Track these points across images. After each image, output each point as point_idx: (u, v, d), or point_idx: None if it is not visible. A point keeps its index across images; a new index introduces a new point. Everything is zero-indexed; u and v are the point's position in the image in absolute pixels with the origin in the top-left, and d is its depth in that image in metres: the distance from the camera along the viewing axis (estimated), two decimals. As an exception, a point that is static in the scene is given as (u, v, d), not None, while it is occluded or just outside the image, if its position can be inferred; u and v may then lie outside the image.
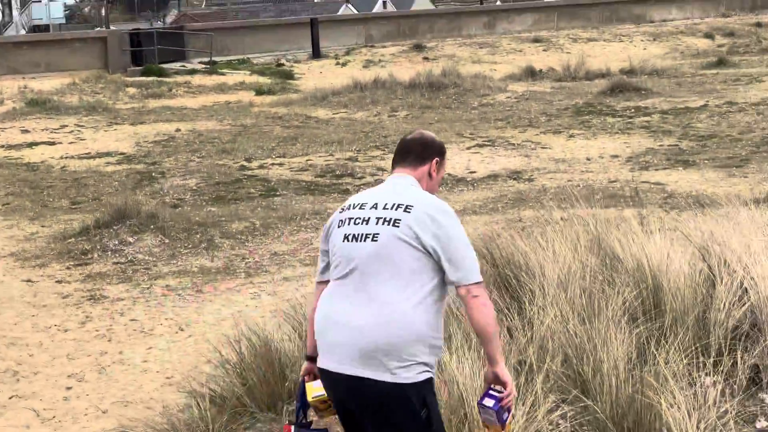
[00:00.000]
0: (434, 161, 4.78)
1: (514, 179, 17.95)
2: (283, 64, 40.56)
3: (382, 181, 15.07)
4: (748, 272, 6.91)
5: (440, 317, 4.65)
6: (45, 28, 74.18)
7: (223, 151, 22.31)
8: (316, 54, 42.55)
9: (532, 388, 5.66)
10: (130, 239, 14.97)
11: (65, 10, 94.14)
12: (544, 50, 44.42)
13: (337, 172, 19.39)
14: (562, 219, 11.45)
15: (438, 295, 4.56)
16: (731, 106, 25.07)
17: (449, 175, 18.42)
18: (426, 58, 41.93)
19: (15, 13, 74.54)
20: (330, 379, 4.60)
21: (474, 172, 18.86)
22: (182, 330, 11.13)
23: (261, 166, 20.28)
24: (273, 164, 20.51)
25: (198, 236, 15.12)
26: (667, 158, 18.77)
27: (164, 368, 9.83)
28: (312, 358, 4.87)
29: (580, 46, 44.19)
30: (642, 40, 46.52)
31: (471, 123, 25.69)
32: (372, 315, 4.47)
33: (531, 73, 36.29)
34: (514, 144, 21.66)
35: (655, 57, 39.99)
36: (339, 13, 70.54)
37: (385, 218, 4.59)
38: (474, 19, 50.62)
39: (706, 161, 18.20)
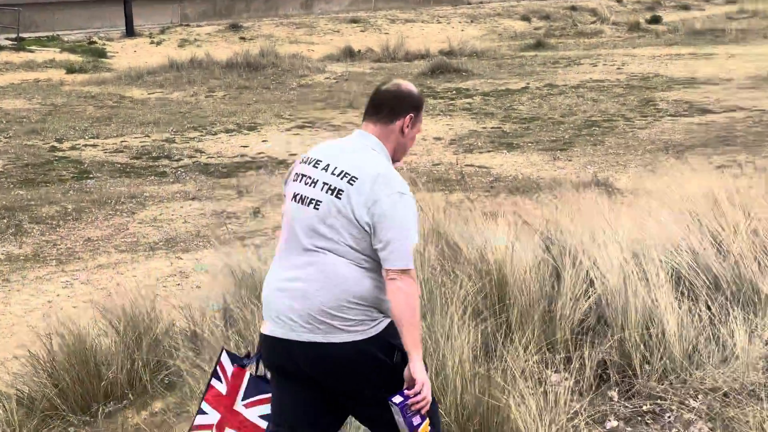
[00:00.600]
0: (408, 117, 4.62)
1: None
2: (95, 42, 40.08)
3: (200, 163, 14.66)
4: (594, 262, 6.82)
5: None
6: None
7: (32, 132, 21.78)
8: (130, 32, 42.43)
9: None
10: (-74, 224, 14.22)
11: None
12: (362, 31, 45.10)
13: (154, 154, 19.05)
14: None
15: None
16: (552, 88, 25.79)
17: (269, 158, 18.63)
18: (243, 38, 42.22)
19: None
20: (280, 347, 4.56)
21: (295, 154, 18.42)
22: (-14, 322, 10.49)
23: (73, 147, 19.83)
24: (86, 145, 20.06)
25: (5, 221, 14.59)
26: (491, 141, 18.98)
27: (-33, 365, 9.01)
28: None
29: (399, 27, 44.97)
30: (460, 22, 47.45)
31: (290, 104, 25.88)
32: (316, 280, 4.49)
33: (350, 54, 36.82)
34: (335, 125, 21.68)
35: (473, 39, 40.70)
36: (153, -10, 70.31)
37: (330, 186, 4.54)
38: (292, -2, 51.04)
39: (529, 144, 18.41)
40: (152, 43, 40.63)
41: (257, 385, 5.05)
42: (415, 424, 4.40)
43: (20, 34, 39.26)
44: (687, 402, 5.93)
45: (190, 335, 8.04)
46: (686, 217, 8.12)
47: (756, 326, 6.53)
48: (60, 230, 14.17)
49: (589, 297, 6.53)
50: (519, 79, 27.81)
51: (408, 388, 4.41)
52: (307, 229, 4.53)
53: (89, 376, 7.34)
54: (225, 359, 5.09)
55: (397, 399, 4.39)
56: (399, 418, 4.41)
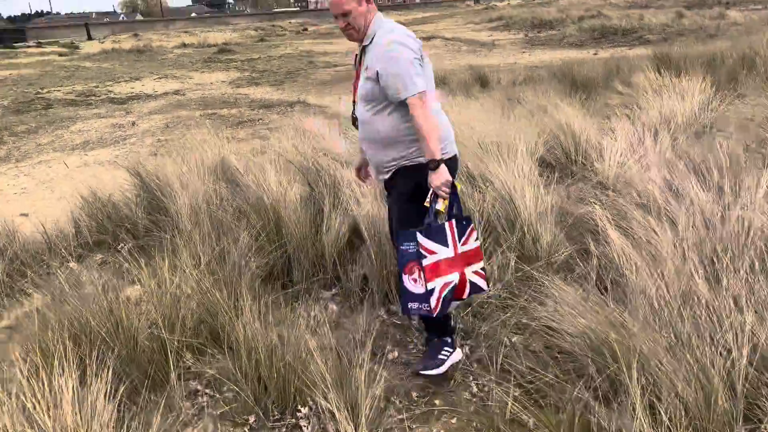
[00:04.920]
0: None
1: (176, 94, 22.45)
2: (74, 42, 52.51)
3: (110, 98, 23.28)
4: (352, 190, 7.02)
5: None
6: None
7: (29, 84, 26.33)
8: (89, 38, 59.75)
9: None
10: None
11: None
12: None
13: (86, 93, 23.31)
14: (201, 116, 14.93)
15: None
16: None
17: (144, 93, 22.96)
18: (138, 38, 51.85)
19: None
20: (457, 158, 5.45)
21: (163, 93, 23.11)
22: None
23: (48, 92, 23.91)
24: (55, 90, 24.29)
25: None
26: (247, 81, 25.10)
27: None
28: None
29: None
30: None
31: (158, 67, 31.86)
32: None
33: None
34: (177, 76, 28.38)
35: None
36: None
37: None
38: None
39: (265, 82, 24.22)
40: (100, 42, 55.38)
41: (460, 225, 5.12)
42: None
43: (38, 40, 58.12)
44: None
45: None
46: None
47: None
48: (24, 140, 15.39)
49: (348, 221, 6.75)
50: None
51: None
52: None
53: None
54: (419, 238, 4.82)
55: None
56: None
